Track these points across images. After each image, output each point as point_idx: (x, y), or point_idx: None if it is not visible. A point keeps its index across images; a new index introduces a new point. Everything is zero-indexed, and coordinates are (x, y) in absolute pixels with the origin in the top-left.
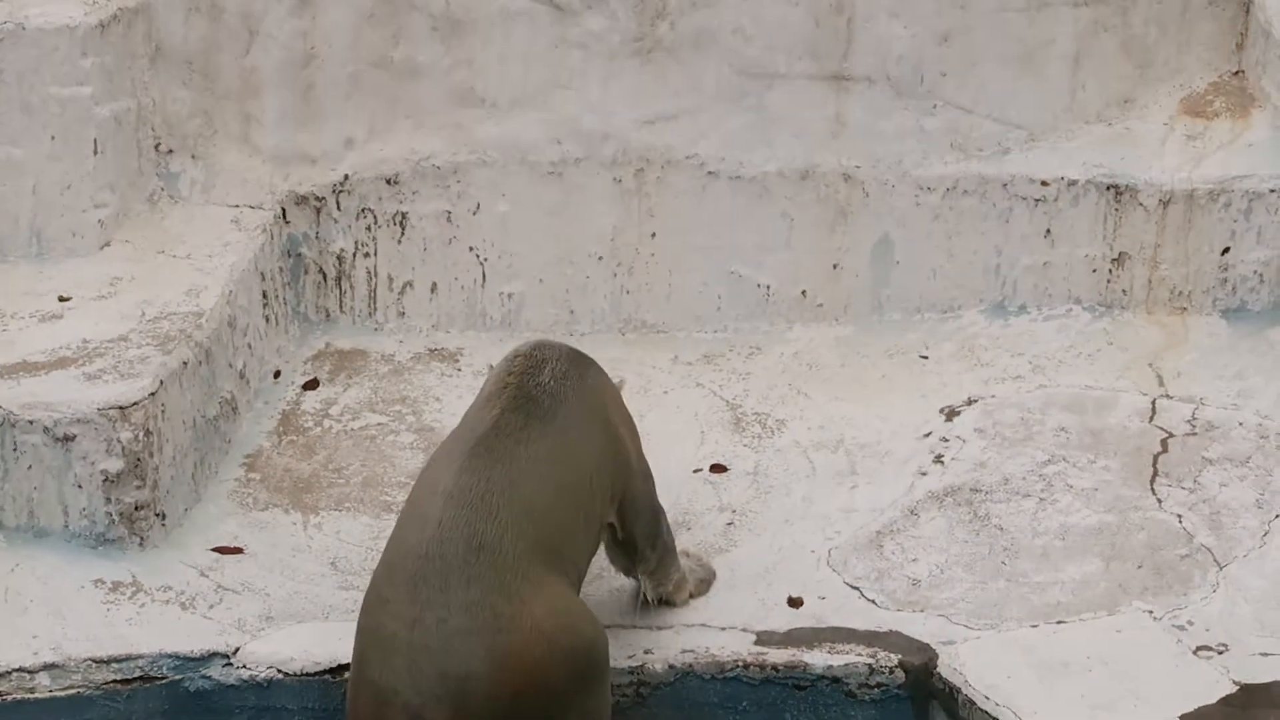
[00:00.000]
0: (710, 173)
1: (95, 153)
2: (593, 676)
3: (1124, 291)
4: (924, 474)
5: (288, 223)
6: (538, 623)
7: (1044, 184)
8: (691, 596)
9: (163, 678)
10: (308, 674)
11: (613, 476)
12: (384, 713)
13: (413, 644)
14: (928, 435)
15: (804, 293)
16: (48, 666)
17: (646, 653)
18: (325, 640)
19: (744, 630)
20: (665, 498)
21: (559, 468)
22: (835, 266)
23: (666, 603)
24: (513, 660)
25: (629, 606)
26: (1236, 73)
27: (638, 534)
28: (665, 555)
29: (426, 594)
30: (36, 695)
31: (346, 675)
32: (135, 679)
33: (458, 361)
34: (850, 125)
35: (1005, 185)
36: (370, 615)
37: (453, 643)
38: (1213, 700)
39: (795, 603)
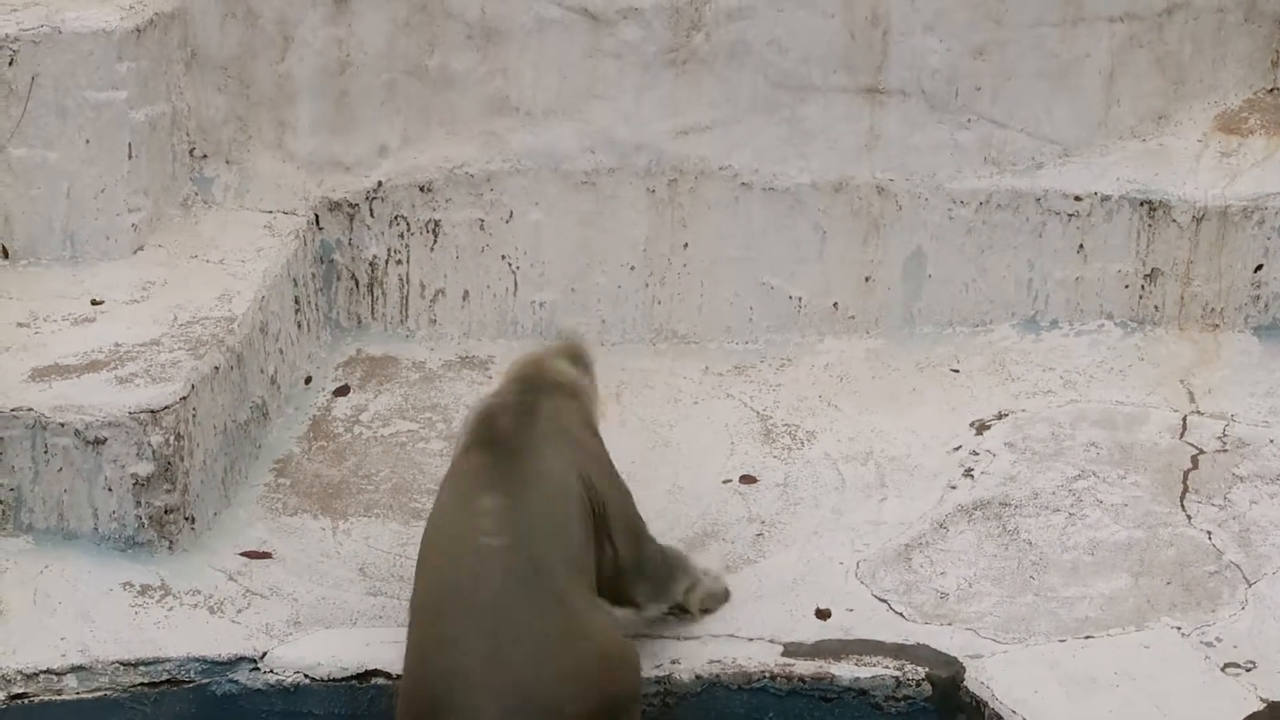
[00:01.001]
0: (743, 184)
1: (129, 157)
2: (640, 684)
3: (1156, 308)
4: (953, 487)
5: (321, 229)
6: (602, 635)
7: (1077, 199)
8: (704, 612)
9: (190, 681)
10: (334, 679)
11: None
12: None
13: (490, 681)
14: (958, 449)
15: (835, 305)
16: (75, 669)
17: (674, 663)
18: (353, 646)
19: (771, 641)
20: (695, 508)
21: (564, 487)
22: (867, 279)
23: (682, 610)
24: (589, 673)
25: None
26: (1272, 90)
27: (620, 551)
28: (660, 570)
29: (492, 623)
30: (64, 697)
31: (375, 682)
32: (162, 682)
33: (489, 369)
34: (884, 138)
35: (1039, 200)
36: (434, 656)
37: (533, 670)
38: (1240, 718)
39: (823, 614)
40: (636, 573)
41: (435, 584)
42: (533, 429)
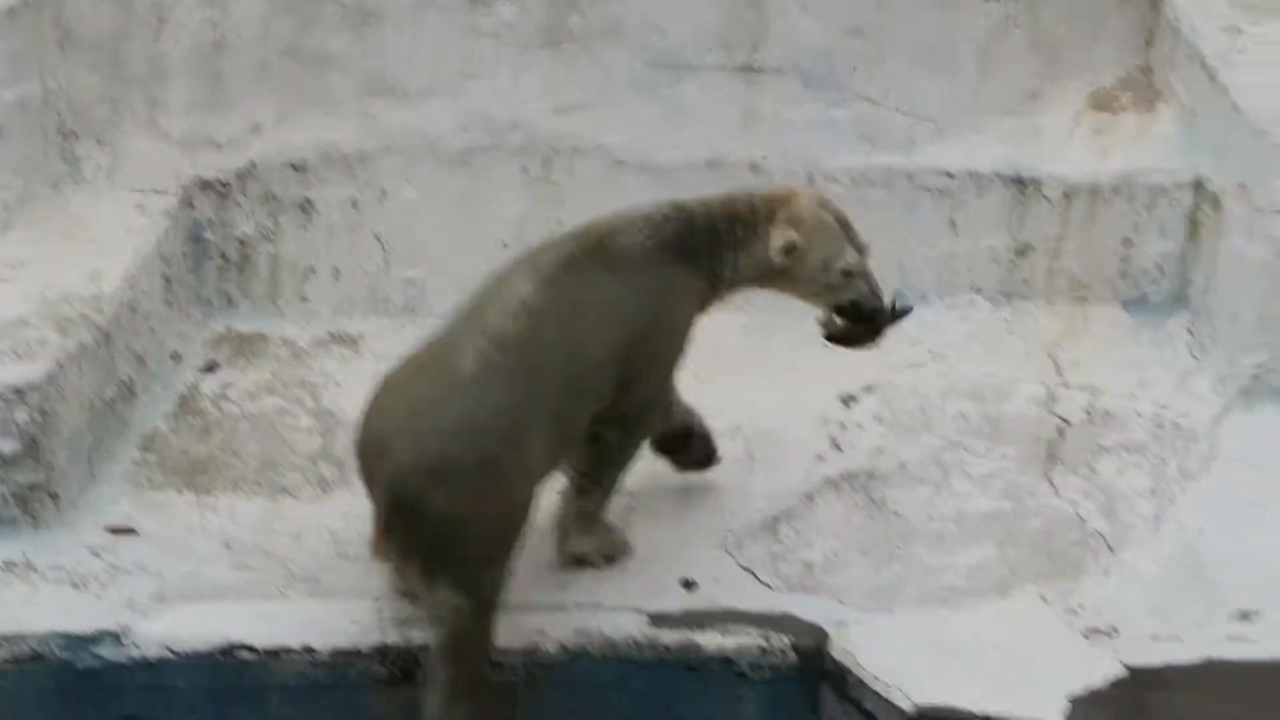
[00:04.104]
0: (619, 162)
1: None
2: (504, 520)
3: (1025, 282)
4: (821, 460)
5: (192, 207)
6: (529, 458)
7: (950, 176)
8: (591, 560)
9: (53, 657)
10: (199, 653)
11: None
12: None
13: (410, 426)
14: (826, 422)
15: None
16: None
17: (539, 634)
18: (217, 620)
19: (638, 611)
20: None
21: (599, 341)
22: None
23: (570, 536)
24: (501, 481)
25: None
26: (1144, 69)
27: (604, 452)
28: (595, 483)
29: (447, 387)
30: None
31: (239, 655)
32: (26, 658)
33: (358, 347)
34: (760, 117)
35: (911, 177)
36: (387, 388)
37: (446, 442)
38: (1102, 683)
39: (689, 585)
40: (596, 480)
41: (439, 330)
42: (627, 269)
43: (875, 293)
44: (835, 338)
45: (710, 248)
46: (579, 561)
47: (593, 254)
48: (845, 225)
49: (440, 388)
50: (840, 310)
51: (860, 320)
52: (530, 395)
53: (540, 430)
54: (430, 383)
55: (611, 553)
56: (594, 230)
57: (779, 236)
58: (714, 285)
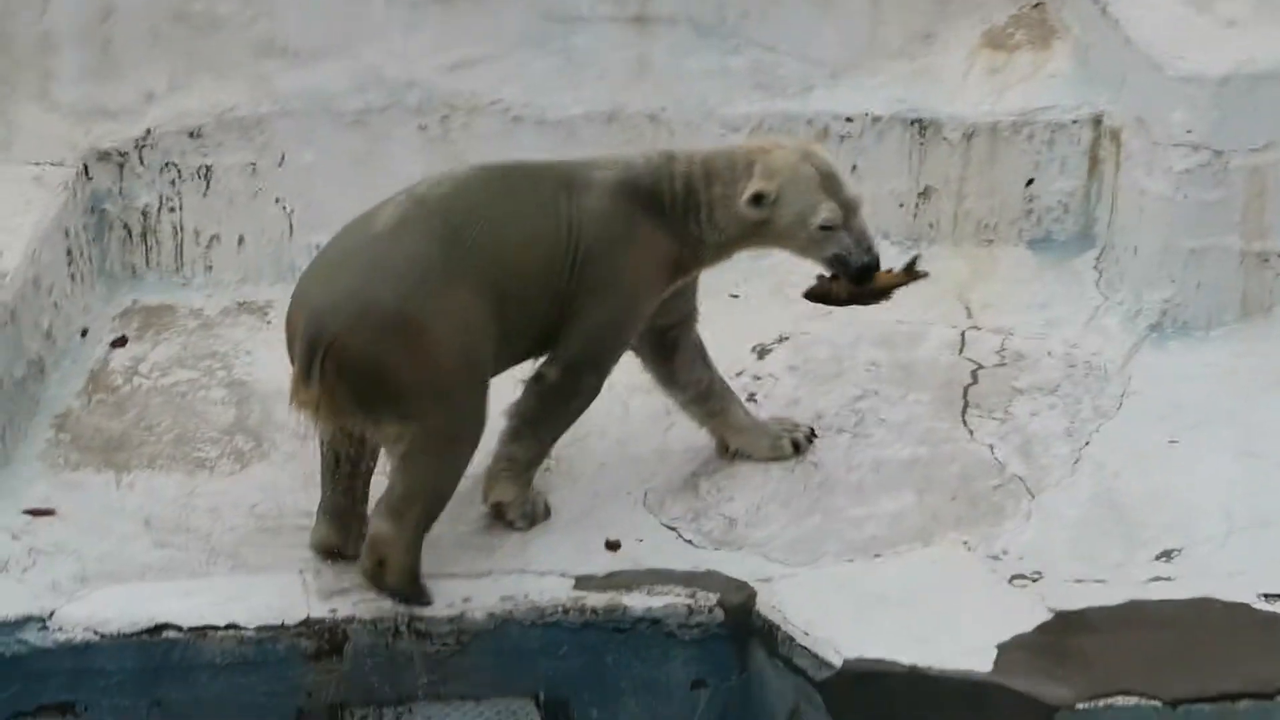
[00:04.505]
0: (515, 118)
1: None
2: (446, 388)
3: (931, 225)
4: None
5: (90, 179)
6: (450, 305)
7: (849, 120)
8: (510, 515)
9: None
10: (125, 635)
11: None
12: (293, 317)
13: (328, 277)
14: (740, 374)
15: None
16: None
17: (465, 600)
18: (141, 600)
19: (563, 575)
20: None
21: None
22: None
23: (496, 484)
24: (414, 319)
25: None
26: (1036, 4)
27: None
28: (532, 431)
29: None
30: None
31: (166, 635)
32: None
33: (267, 314)
34: (655, 67)
35: (810, 122)
36: (322, 252)
37: (362, 299)
38: (1028, 628)
39: (613, 546)
40: (532, 427)
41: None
42: (584, 195)
43: (865, 248)
44: (812, 294)
45: (685, 205)
46: (498, 511)
47: (556, 174)
48: (829, 178)
49: (357, 239)
50: (829, 266)
51: (850, 278)
52: (448, 250)
53: (467, 290)
54: (349, 237)
55: (533, 515)
56: (575, 161)
57: (749, 188)
58: (691, 246)
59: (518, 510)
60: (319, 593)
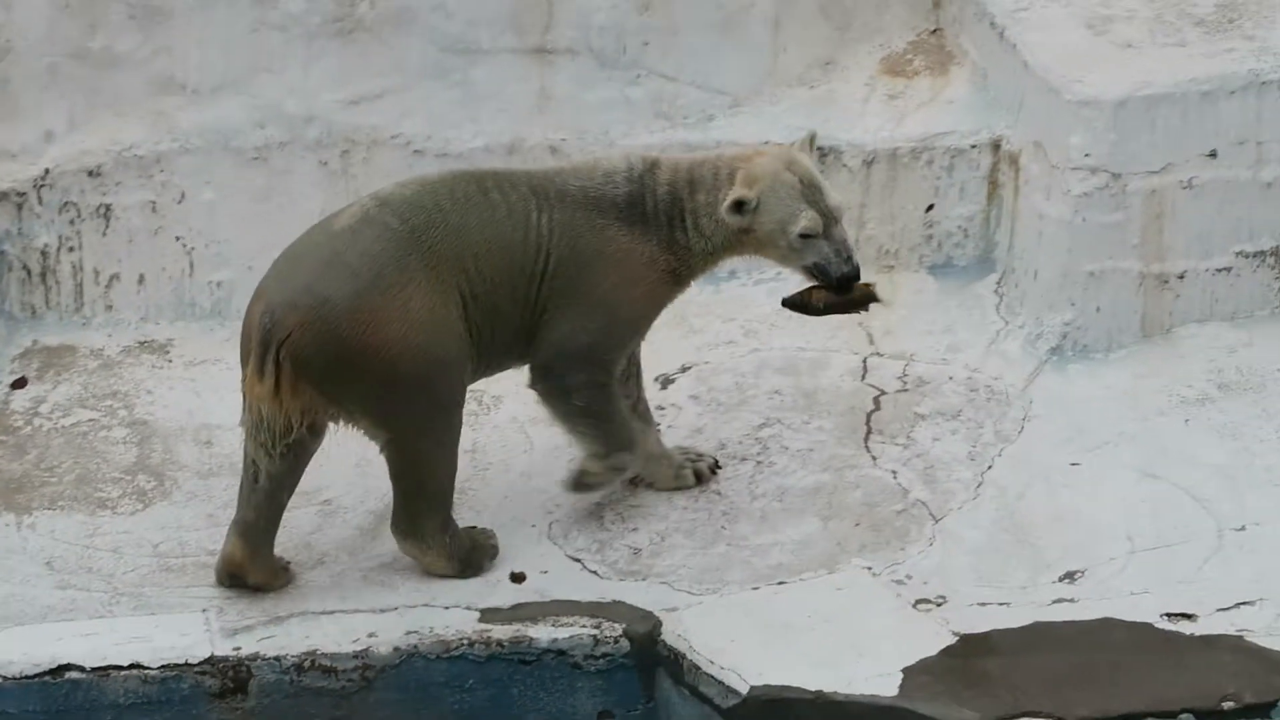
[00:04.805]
0: (416, 151)
1: None
2: (408, 384)
3: None
4: None
5: None
6: (406, 304)
7: None
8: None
9: None
10: (27, 676)
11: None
12: (251, 310)
13: (286, 272)
14: None
15: None
16: None
17: (370, 635)
18: (44, 641)
19: (468, 608)
20: (383, 481)
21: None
22: None
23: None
24: (368, 315)
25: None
26: (935, 31)
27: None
28: (571, 427)
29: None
30: None
31: (69, 676)
32: None
33: (168, 353)
34: (555, 98)
35: None
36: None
37: (319, 294)
38: (933, 652)
39: (518, 578)
40: (565, 425)
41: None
42: (561, 207)
43: (845, 257)
44: (790, 303)
45: (670, 214)
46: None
47: (530, 182)
48: (810, 186)
49: (317, 237)
50: (809, 274)
51: (830, 287)
52: (404, 250)
53: (425, 290)
54: (311, 235)
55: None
56: (550, 169)
57: (730, 195)
58: (680, 254)
59: (598, 480)
60: (222, 630)
